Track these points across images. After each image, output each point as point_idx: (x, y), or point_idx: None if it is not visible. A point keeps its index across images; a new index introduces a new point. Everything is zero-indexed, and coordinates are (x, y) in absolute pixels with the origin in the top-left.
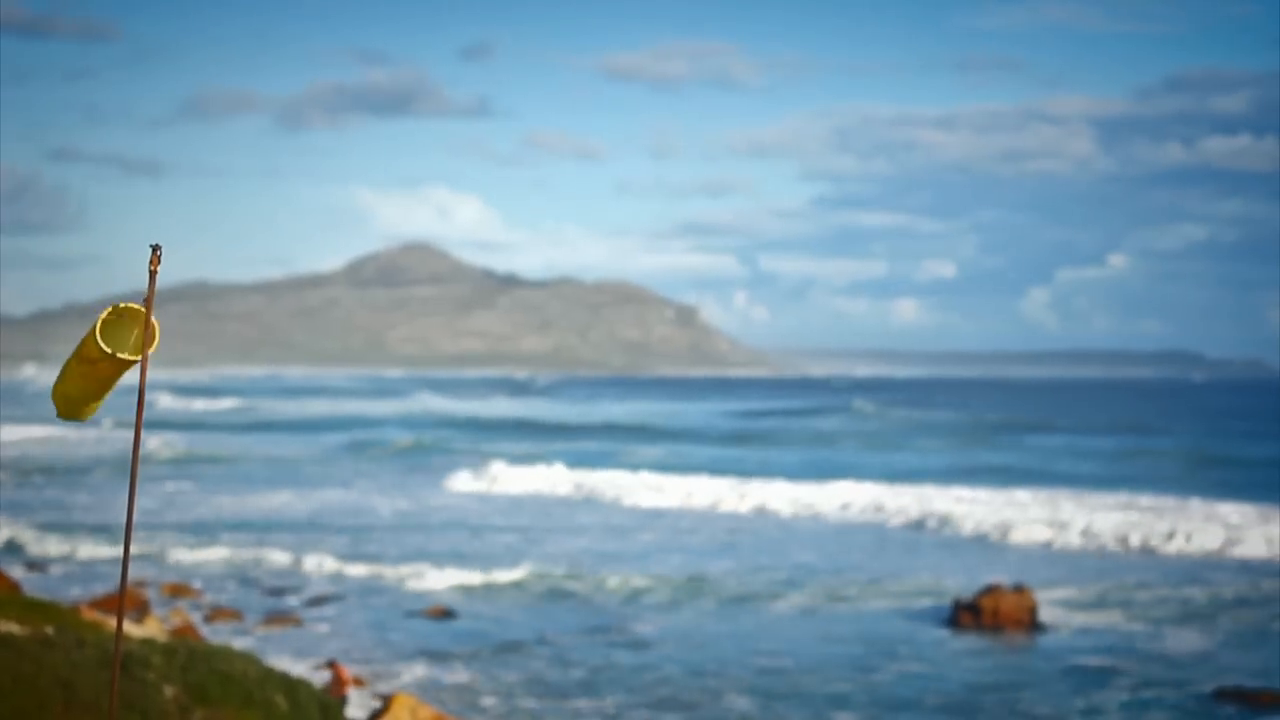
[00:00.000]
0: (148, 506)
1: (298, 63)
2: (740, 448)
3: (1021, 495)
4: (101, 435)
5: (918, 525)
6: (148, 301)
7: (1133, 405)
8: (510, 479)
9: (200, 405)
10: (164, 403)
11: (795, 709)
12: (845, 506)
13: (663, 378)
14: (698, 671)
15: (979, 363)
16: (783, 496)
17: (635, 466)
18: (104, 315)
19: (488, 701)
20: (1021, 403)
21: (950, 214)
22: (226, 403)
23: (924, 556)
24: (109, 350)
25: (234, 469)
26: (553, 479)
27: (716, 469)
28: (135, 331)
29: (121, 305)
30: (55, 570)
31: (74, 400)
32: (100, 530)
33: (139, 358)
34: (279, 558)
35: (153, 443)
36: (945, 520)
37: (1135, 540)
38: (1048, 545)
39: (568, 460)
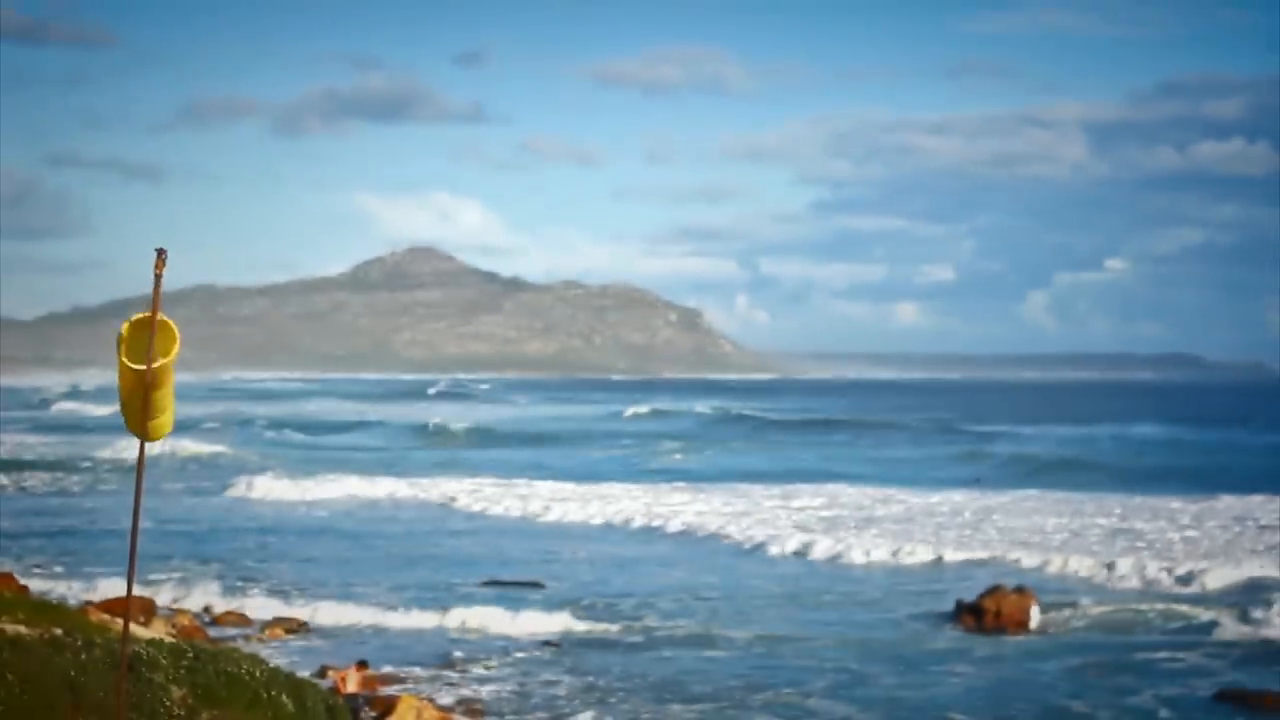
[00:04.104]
0: None
1: (293, 69)
2: (552, 448)
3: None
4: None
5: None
6: (154, 304)
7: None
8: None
9: (93, 410)
10: (64, 406)
11: None
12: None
13: (640, 381)
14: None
15: (979, 366)
16: (542, 496)
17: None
18: (124, 331)
19: None
20: (930, 405)
21: (947, 218)
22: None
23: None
24: (128, 363)
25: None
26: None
27: (509, 470)
28: (159, 335)
29: (137, 317)
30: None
31: (140, 418)
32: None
33: (160, 362)
34: None
35: None
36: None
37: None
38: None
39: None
